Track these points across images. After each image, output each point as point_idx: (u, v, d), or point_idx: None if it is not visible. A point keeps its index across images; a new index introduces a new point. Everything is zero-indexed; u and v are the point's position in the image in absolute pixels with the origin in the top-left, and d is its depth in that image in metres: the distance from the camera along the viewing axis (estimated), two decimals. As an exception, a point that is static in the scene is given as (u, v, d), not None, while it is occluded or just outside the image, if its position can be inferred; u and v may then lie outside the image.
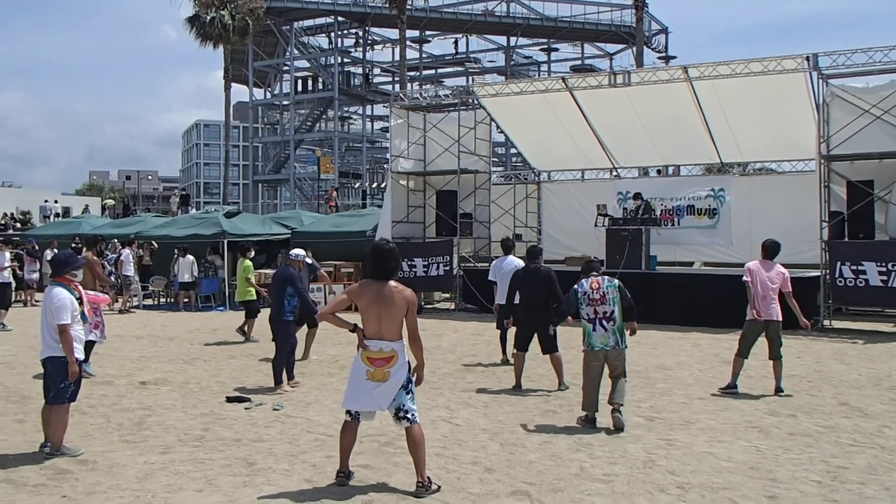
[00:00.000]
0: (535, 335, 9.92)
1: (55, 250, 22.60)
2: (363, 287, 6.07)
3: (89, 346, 10.08)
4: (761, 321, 9.46)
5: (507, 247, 12.43)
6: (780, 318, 9.57)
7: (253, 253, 15.37)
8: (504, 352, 11.75)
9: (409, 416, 5.97)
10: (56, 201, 43.42)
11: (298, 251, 10.98)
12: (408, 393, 6.00)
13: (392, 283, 6.04)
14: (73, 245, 23.11)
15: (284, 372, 10.01)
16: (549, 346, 9.88)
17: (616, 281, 8.16)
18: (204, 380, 10.63)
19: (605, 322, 7.92)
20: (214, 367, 11.71)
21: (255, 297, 14.69)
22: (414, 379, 6.12)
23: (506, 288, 10.41)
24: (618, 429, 7.74)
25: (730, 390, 9.51)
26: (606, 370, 8.08)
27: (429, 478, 5.97)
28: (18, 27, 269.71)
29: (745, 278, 9.65)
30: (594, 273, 8.26)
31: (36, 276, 22.17)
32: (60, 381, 6.91)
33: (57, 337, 6.83)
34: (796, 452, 7.01)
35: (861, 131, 14.95)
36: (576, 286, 8.20)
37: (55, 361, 6.92)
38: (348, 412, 6.12)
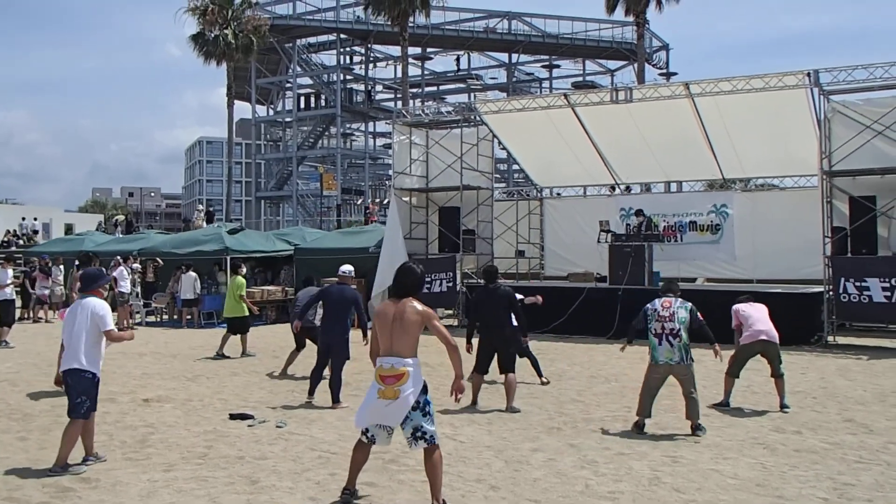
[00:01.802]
0: (496, 355, 9.87)
1: (61, 267, 22.66)
2: (382, 307, 6.08)
3: None
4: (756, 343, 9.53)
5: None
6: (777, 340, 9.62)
7: (245, 270, 15.60)
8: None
9: (426, 436, 5.83)
10: (35, 218, 43.33)
11: (348, 267, 10.87)
12: (424, 415, 5.86)
13: (411, 299, 5.98)
14: (77, 262, 23.18)
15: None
16: (508, 366, 9.79)
17: (690, 304, 8.49)
18: (207, 397, 10.61)
19: (671, 338, 8.23)
20: (217, 384, 11.69)
21: (245, 314, 14.85)
22: (452, 391, 6.06)
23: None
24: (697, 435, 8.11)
25: (721, 406, 9.63)
26: (677, 386, 8.45)
27: (444, 500, 5.89)
28: (23, 45, 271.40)
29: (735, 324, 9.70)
30: (670, 293, 8.62)
31: (47, 292, 22.16)
32: (77, 395, 7.02)
33: (87, 349, 7.02)
34: (802, 469, 6.98)
35: (863, 147, 14.97)
36: (648, 304, 8.56)
37: (76, 375, 7.03)
38: (363, 433, 6.05)
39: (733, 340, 9.79)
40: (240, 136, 74.00)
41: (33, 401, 10.31)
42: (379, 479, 6.68)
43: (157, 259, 22.46)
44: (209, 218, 37.09)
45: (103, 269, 8.65)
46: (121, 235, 31.99)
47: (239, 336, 14.76)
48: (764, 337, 9.47)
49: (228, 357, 14.35)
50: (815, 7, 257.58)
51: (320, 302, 10.66)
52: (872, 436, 8.21)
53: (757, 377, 9.87)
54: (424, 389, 5.91)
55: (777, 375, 9.59)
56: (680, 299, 8.51)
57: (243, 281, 14.98)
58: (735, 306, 9.78)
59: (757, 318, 9.59)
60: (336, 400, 9.91)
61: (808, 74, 15.74)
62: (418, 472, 6.78)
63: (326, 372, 10.22)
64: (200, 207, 40.84)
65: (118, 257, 21.92)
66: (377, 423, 5.92)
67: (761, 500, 6.18)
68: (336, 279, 10.80)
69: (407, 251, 19.93)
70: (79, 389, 7.03)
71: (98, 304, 7.18)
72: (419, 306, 5.95)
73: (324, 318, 10.49)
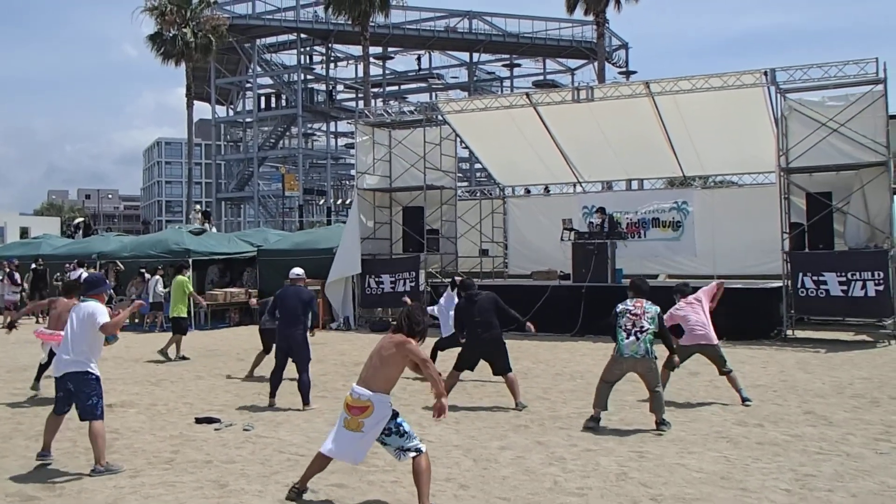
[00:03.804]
0: (487, 360, 9.98)
1: (11, 270, 22.20)
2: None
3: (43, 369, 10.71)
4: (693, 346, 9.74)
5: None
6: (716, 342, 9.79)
7: (188, 271, 16.07)
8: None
9: (412, 450, 5.89)
10: None
11: (299, 270, 10.94)
12: (402, 435, 5.93)
13: (401, 336, 6.06)
14: (35, 266, 22.76)
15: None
16: (505, 368, 9.89)
17: (657, 309, 8.65)
18: (172, 401, 10.49)
19: (638, 333, 8.38)
20: (182, 388, 11.56)
21: (183, 315, 15.03)
22: (435, 412, 6.12)
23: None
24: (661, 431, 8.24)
25: None
26: (641, 382, 8.59)
27: None
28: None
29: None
30: (642, 295, 8.77)
31: (16, 297, 21.73)
32: (87, 397, 7.06)
33: (87, 350, 7.12)
34: (765, 462, 7.12)
35: (818, 144, 15.27)
36: (619, 304, 8.70)
37: (80, 378, 7.06)
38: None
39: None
40: (199, 136, 73.32)
41: (-7, 408, 10.12)
42: (348, 481, 6.66)
43: (118, 263, 22.11)
44: (206, 217, 36.08)
45: (103, 276, 8.60)
46: (71, 240, 31.40)
47: (175, 336, 14.72)
48: (703, 341, 9.67)
49: (188, 358, 14.37)
50: (773, 7, 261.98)
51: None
52: (832, 427, 8.40)
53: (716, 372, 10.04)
54: (394, 415, 5.96)
55: (724, 372, 9.77)
56: (649, 302, 8.65)
57: (185, 279, 15.33)
58: (672, 311, 9.82)
59: (695, 320, 9.72)
60: (306, 402, 9.87)
61: (766, 73, 16.01)
62: (387, 473, 6.80)
63: (294, 374, 10.17)
64: (198, 208, 39.71)
65: (75, 261, 21.59)
66: (342, 459, 6.03)
67: (726, 492, 6.29)
68: (288, 281, 10.80)
69: (369, 250, 19.97)
70: (87, 391, 7.08)
71: (94, 305, 7.27)
72: (397, 338, 6.03)
73: (280, 321, 10.45)
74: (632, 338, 8.37)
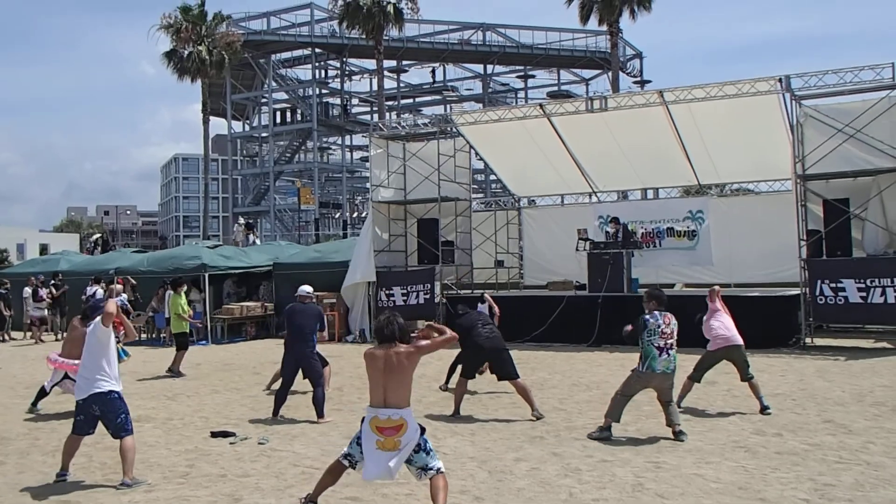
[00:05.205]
0: (491, 362, 10.09)
1: (37, 286, 22.40)
2: (370, 352, 6.10)
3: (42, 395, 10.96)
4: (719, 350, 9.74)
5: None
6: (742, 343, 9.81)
7: (185, 288, 15.79)
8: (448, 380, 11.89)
9: (434, 469, 5.89)
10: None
11: (307, 287, 11.07)
12: (427, 453, 5.92)
13: (399, 345, 6.03)
14: (55, 282, 22.96)
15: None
16: (510, 373, 9.90)
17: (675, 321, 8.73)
18: (187, 415, 10.51)
19: (669, 350, 8.45)
20: (198, 402, 11.59)
21: (185, 331, 14.99)
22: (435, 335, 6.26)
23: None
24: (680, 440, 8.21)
25: None
26: (654, 395, 8.67)
27: None
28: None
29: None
30: (663, 307, 8.74)
31: (41, 313, 21.88)
32: (116, 416, 7.17)
33: (105, 369, 7.19)
34: (784, 471, 7.03)
35: (835, 150, 15.14)
36: (648, 317, 8.61)
37: (103, 398, 7.15)
38: (346, 457, 6.07)
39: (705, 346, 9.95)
40: (216, 152, 73.80)
41: (10, 424, 10.18)
42: (363, 494, 6.64)
43: (130, 278, 22.18)
44: (249, 228, 35.69)
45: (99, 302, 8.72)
46: (89, 256, 31.56)
47: (178, 352, 14.69)
48: (729, 343, 9.68)
49: (184, 375, 14.27)
50: (784, 13, 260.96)
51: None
52: (852, 436, 8.29)
53: (736, 380, 9.94)
54: (422, 430, 5.97)
55: (747, 379, 9.72)
56: (671, 315, 8.69)
57: (178, 300, 15.05)
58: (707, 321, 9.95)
59: (718, 325, 9.79)
60: (321, 415, 9.86)
61: (780, 80, 15.92)
62: (402, 486, 6.77)
63: (305, 388, 10.19)
64: (241, 220, 39.29)
65: (91, 279, 21.72)
66: (382, 479, 5.95)
67: (744, 503, 6.21)
68: (298, 298, 10.90)
69: (384, 262, 20.00)
70: (115, 410, 7.19)
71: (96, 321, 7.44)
72: (402, 348, 6.02)
73: (289, 337, 10.53)
74: (664, 355, 8.40)
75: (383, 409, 5.87)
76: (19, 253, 42.71)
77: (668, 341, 8.45)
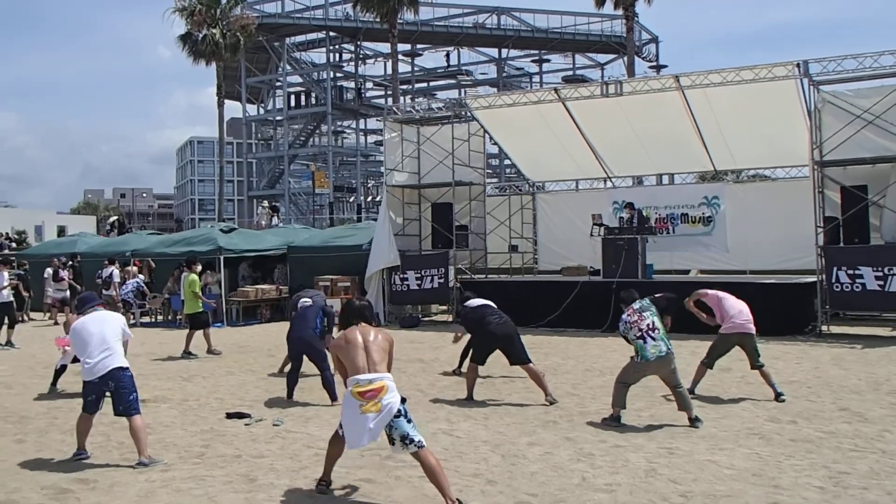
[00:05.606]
0: (502, 349, 10.05)
1: (57, 268, 22.56)
2: (343, 336, 6.27)
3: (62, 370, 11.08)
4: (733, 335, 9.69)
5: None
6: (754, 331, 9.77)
7: (200, 267, 15.81)
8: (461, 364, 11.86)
9: (414, 442, 5.89)
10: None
11: (308, 301, 11.28)
12: (408, 422, 5.97)
13: (368, 326, 6.34)
14: (73, 263, 23.13)
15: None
16: (521, 357, 9.91)
17: (645, 299, 8.69)
18: (203, 396, 10.60)
19: (651, 333, 8.31)
20: (213, 383, 11.67)
21: (200, 310, 15.10)
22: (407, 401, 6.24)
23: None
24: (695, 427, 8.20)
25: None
26: (661, 383, 8.63)
27: (458, 500, 5.86)
28: (11, 47, 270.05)
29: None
30: (627, 304, 8.79)
31: (62, 294, 22.05)
32: (129, 392, 7.32)
33: (120, 348, 7.42)
34: (798, 458, 7.01)
35: (853, 137, 15.00)
36: (623, 318, 8.65)
37: (119, 374, 7.30)
38: (341, 426, 6.14)
39: (716, 329, 9.92)
40: (231, 135, 73.97)
41: (30, 403, 10.29)
42: (376, 476, 6.69)
43: (150, 261, 22.37)
44: (275, 211, 35.30)
45: (93, 294, 8.78)
46: (105, 238, 31.73)
47: (202, 332, 14.84)
48: (744, 331, 9.61)
49: (195, 356, 14.35)
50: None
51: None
52: (867, 424, 8.25)
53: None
54: (402, 400, 6.04)
55: (757, 367, 9.68)
56: (637, 301, 8.67)
57: (195, 277, 15.12)
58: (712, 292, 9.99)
59: (738, 309, 9.73)
60: (334, 398, 9.92)
61: (798, 65, 15.77)
62: (416, 468, 6.79)
63: (315, 371, 10.33)
64: (265, 204, 39.27)
65: (106, 260, 21.86)
66: (369, 440, 5.98)
67: (757, 489, 6.21)
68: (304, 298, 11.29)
69: (398, 247, 20.00)
70: (128, 387, 7.33)
71: (109, 314, 7.80)
72: (384, 331, 6.43)
73: (293, 323, 10.90)
74: (650, 340, 8.30)
75: (366, 374, 5.98)
76: (37, 235, 42.91)
77: (642, 325, 8.32)
